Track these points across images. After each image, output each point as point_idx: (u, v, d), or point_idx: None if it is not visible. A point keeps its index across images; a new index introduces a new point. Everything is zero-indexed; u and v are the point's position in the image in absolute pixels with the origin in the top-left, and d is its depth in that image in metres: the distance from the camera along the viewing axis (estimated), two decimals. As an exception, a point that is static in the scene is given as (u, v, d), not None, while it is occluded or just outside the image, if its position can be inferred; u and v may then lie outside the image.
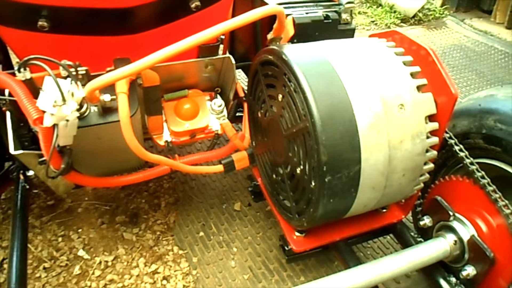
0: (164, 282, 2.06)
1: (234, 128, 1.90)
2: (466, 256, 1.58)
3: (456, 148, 1.61)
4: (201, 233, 2.29)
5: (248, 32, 2.21)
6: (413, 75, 1.44)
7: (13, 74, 1.37)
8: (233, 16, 1.98)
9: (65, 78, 1.33)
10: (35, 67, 1.32)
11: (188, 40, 1.36)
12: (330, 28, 2.03)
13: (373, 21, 5.07)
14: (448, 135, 1.62)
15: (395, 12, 5.17)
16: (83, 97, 1.38)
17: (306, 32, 1.94)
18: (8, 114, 1.49)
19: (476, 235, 1.55)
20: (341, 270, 1.53)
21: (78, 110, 1.39)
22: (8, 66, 2.01)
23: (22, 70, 1.30)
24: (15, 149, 1.48)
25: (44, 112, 1.26)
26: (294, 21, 1.90)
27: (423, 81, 1.44)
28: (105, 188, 2.49)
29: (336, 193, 1.33)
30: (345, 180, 1.30)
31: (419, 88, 1.42)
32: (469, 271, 1.55)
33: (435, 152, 1.47)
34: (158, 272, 2.10)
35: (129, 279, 2.06)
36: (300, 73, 1.31)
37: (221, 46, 1.91)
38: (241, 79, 2.93)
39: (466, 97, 1.77)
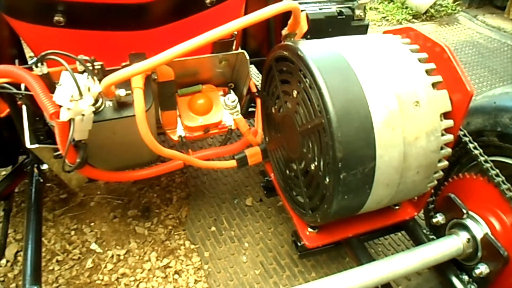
0: (176, 276, 2.07)
1: (247, 124, 1.90)
2: (479, 254, 1.57)
3: (471, 145, 1.60)
4: (213, 228, 2.30)
5: (260, 27, 2.21)
6: (428, 72, 1.43)
7: (29, 69, 1.38)
8: (245, 11, 1.98)
9: (81, 73, 1.34)
10: (50, 62, 1.33)
11: (204, 36, 1.36)
12: (344, 24, 2.03)
13: (384, 17, 5.05)
14: (462, 132, 1.62)
15: (406, 8, 5.14)
16: (99, 92, 1.39)
17: (320, 28, 1.94)
18: (24, 108, 1.50)
19: (489, 233, 1.55)
20: (352, 266, 1.53)
21: (93, 104, 1.40)
22: (22, 60, 2.03)
23: (39, 64, 1.31)
24: (31, 143, 1.48)
25: (60, 106, 1.27)
26: (307, 17, 1.90)
27: (438, 78, 1.43)
28: (117, 182, 2.51)
29: (351, 189, 1.33)
30: (360, 176, 1.30)
31: (434, 85, 1.42)
32: (482, 269, 1.55)
33: (449, 150, 1.46)
34: (170, 266, 2.11)
35: (141, 273, 2.08)
36: (316, 69, 1.31)
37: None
38: (253, 75, 2.93)
39: (478, 94, 1.76)
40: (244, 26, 1.41)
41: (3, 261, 2.07)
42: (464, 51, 4.38)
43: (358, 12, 2.08)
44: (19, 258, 2.11)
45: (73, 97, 1.23)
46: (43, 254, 2.09)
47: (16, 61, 1.68)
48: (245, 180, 2.61)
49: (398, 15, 5.02)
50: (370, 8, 5.16)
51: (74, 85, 1.23)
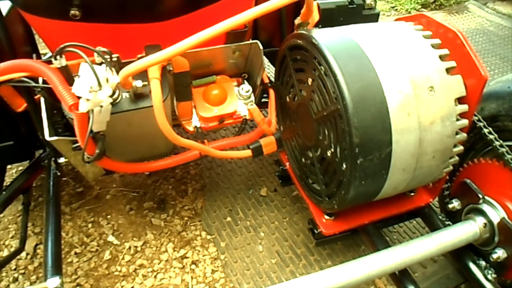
0: (193, 266, 2.09)
1: (261, 113, 1.91)
2: (496, 239, 1.58)
3: (485, 130, 1.60)
4: (228, 218, 2.32)
5: (271, 18, 2.21)
6: (442, 57, 1.44)
7: (47, 63, 1.40)
8: (256, 2, 1.99)
9: (99, 64, 1.36)
10: (67, 55, 1.34)
11: (218, 25, 1.36)
12: (355, 13, 2.04)
13: (393, 7, 5.02)
14: (476, 118, 1.62)
15: (415, -4, 5.11)
16: (117, 83, 1.40)
17: (331, 18, 1.95)
18: (42, 101, 1.52)
19: (506, 217, 1.55)
20: (368, 254, 1.54)
21: (111, 96, 1.42)
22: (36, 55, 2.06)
23: (58, 57, 1.33)
24: (50, 135, 1.51)
25: (79, 98, 1.29)
26: (319, 7, 1.90)
27: (452, 63, 1.44)
28: (132, 175, 2.53)
29: (368, 175, 1.34)
30: (377, 162, 1.31)
31: (448, 70, 1.42)
32: (500, 254, 1.55)
33: (464, 134, 1.46)
34: (187, 256, 2.14)
35: (159, 263, 2.10)
36: (331, 56, 1.32)
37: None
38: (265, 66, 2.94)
39: (490, 82, 1.76)
40: (258, 15, 1.41)
41: (23, 254, 2.11)
42: (475, 39, 4.35)
43: (368, 1, 2.08)
44: (39, 251, 2.15)
45: (92, 88, 1.25)
46: (62, 247, 2.10)
47: (34, 55, 1.71)
48: (259, 170, 2.62)
49: (407, 4, 4.99)
50: (379, -1, 5.14)
51: (93, 76, 1.24)
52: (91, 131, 1.37)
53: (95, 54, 1.36)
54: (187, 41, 1.36)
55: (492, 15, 4.84)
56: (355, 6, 2.04)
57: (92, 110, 1.32)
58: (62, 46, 1.29)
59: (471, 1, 5.16)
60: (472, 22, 4.72)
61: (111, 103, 1.44)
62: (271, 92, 1.98)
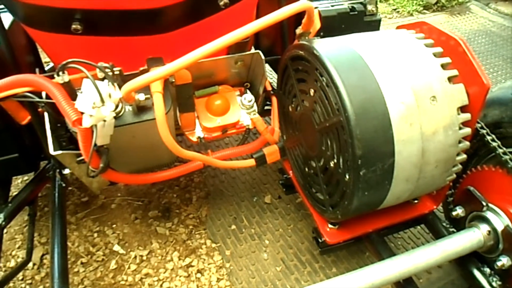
0: (199, 275, 2.10)
1: (264, 122, 1.92)
2: (501, 246, 1.57)
3: (488, 138, 1.60)
4: (233, 226, 2.33)
5: (273, 27, 2.21)
6: (443, 66, 1.44)
7: (50, 77, 1.41)
8: (257, 12, 2.00)
9: (101, 79, 1.37)
10: (70, 69, 1.35)
11: (222, 39, 1.37)
12: (356, 20, 2.05)
13: (395, 9, 5.02)
14: (479, 125, 1.62)
15: (417, -2, 5.10)
16: (120, 98, 1.41)
17: (332, 25, 1.96)
18: (46, 115, 1.53)
19: (510, 225, 1.55)
20: (373, 261, 1.55)
21: (114, 110, 1.42)
22: (39, 66, 2.07)
23: (60, 73, 1.34)
24: (55, 149, 1.52)
25: (82, 113, 1.30)
26: (320, 14, 1.91)
27: (454, 72, 1.44)
28: (137, 184, 2.54)
29: (371, 186, 1.34)
30: (380, 173, 1.32)
31: (450, 79, 1.42)
32: (504, 261, 1.55)
33: (467, 143, 1.47)
34: (192, 265, 2.14)
35: (164, 272, 2.11)
36: (332, 67, 1.33)
37: (246, 42, 1.93)
38: (267, 73, 2.94)
39: (493, 84, 1.76)
40: (261, 28, 1.42)
41: (30, 264, 2.11)
42: (477, 40, 4.34)
43: (370, 7, 2.08)
44: (45, 261, 2.16)
45: (95, 104, 1.26)
46: (68, 257, 2.10)
47: (37, 70, 1.72)
48: (263, 178, 2.62)
49: (409, 6, 4.99)
50: (380, 1, 5.13)
51: (95, 93, 1.25)
52: (95, 145, 1.37)
53: (97, 69, 1.36)
54: (190, 55, 1.37)
55: (495, 16, 4.82)
56: (356, 13, 2.04)
57: (96, 125, 1.33)
58: (64, 62, 1.30)
59: (473, 2, 5.14)
60: (475, 23, 4.71)
61: (114, 117, 1.45)
62: (274, 100, 1.99)
